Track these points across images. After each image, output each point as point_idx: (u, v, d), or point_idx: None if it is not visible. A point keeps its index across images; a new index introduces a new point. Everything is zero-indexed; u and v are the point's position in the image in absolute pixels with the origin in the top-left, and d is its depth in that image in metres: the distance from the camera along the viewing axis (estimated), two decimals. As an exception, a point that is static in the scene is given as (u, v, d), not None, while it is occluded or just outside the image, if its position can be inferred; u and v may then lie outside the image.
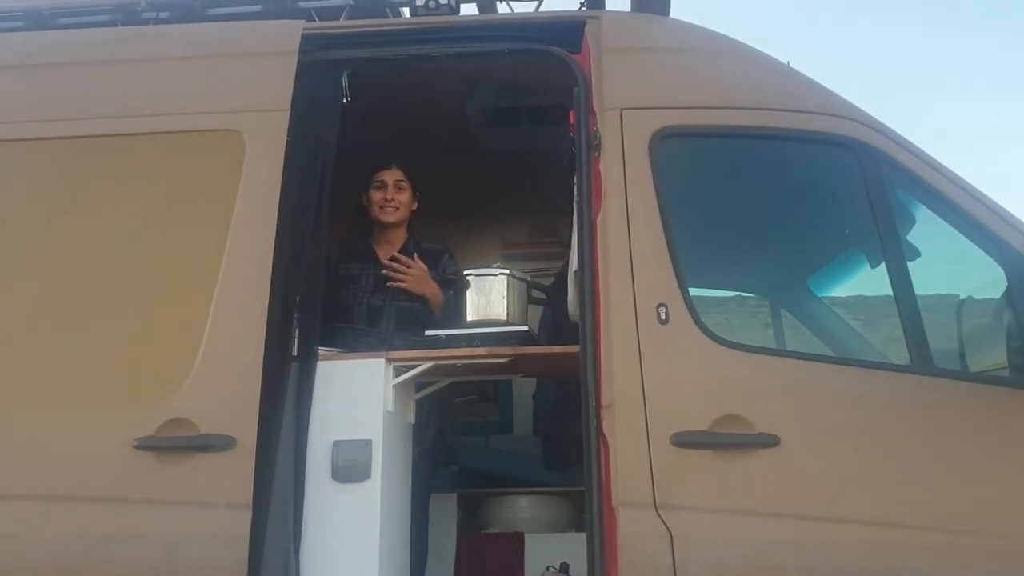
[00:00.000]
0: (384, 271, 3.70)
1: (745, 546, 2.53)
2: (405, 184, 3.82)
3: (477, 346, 3.11)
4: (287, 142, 2.97)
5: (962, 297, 2.85)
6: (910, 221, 3.00)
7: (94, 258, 2.94)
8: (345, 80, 3.23)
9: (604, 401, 2.66)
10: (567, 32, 3.15)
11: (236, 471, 2.64)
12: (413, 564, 3.30)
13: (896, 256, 2.77)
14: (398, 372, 3.04)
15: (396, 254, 3.68)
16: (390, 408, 2.96)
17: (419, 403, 3.32)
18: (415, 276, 3.63)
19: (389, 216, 3.80)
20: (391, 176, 3.80)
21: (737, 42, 3.23)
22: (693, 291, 2.75)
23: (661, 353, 2.67)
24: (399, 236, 3.87)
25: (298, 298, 2.95)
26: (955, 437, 2.63)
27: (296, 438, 2.80)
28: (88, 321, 2.86)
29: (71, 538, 2.64)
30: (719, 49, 3.21)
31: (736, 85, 3.05)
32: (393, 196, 3.79)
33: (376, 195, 3.81)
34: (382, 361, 3.00)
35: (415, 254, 3.71)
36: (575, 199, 2.95)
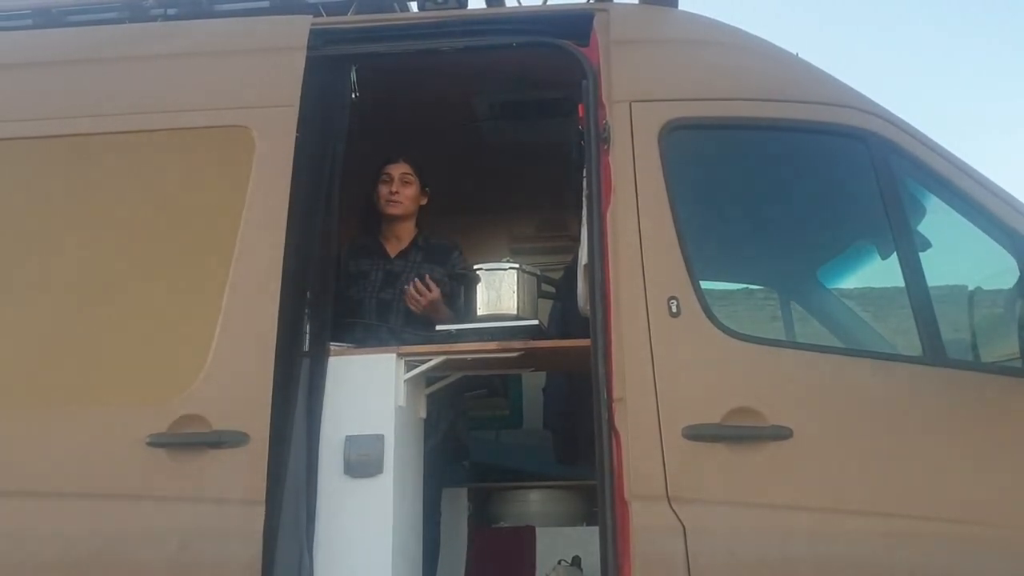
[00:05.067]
0: (391, 267, 3.71)
1: (758, 538, 2.53)
2: (412, 178, 3.83)
3: (487, 340, 3.11)
4: (296, 138, 2.97)
5: (973, 287, 2.84)
6: (921, 211, 2.99)
7: (105, 255, 2.94)
8: (353, 75, 3.23)
9: (615, 394, 2.65)
10: (575, 25, 3.14)
11: (249, 467, 2.65)
12: (425, 558, 3.31)
13: (907, 247, 2.76)
14: (409, 367, 3.04)
15: (417, 281, 3.57)
16: (401, 403, 2.97)
17: (430, 398, 3.33)
18: (428, 302, 3.54)
19: (394, 209, 3.81)
20: (397, 170, 3.81)
21: (746, 33, 3.22)
22: (703, 284, 2.74)
23: (672, 346, 2.66)
24: (407, 231, 3.88)
25: (309, 294, 2.96)
26: (968, 428, 2.62)
27: (308, 433, 2.81)
28: (100, 318, 2.87)
29: (85, 535, 2.65)
30: (728, 40, 3.20)
31: (745, 77, 3.04)
32: (399, 189, 3.80)
33: (383, 189, 3.82)
34: (393, 356, 3.00)
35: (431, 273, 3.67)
36: (584, 192, 2.95)
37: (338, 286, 3.57)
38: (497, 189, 4.67)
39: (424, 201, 3.89)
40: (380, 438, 2.87)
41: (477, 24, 3.30)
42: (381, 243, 3.88)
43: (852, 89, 3.04)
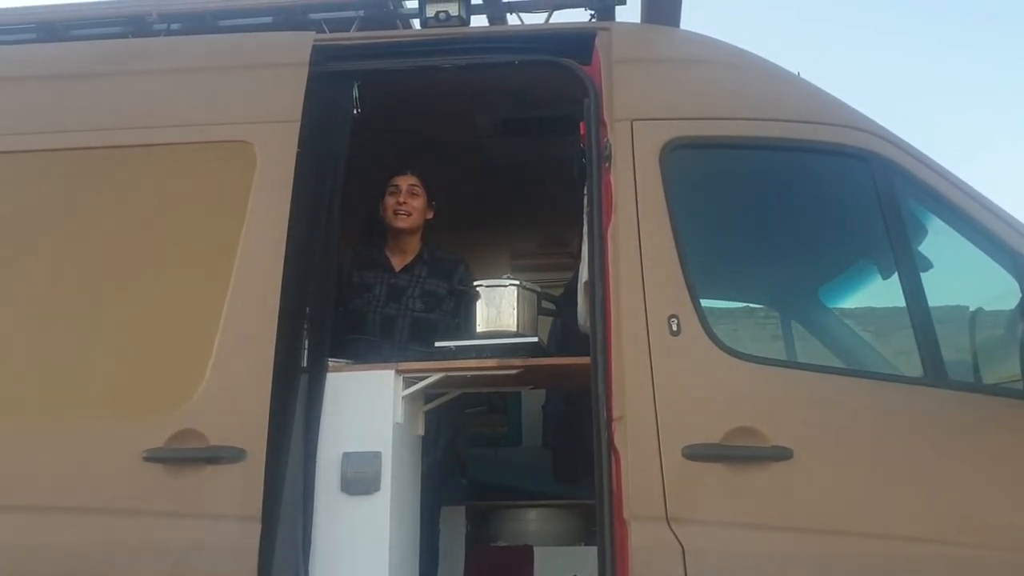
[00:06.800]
0: (396, 281, 3.69)
1: (757, 560, 2.51)
2: (419, 190, 3.81)
3: (487, 357, 3.10)
4: (298, 153, 2.97)
5: (975, 308, 2.83)
6: (923, 232, 2.99)
7: (105, 269, 2.94)
8: (355, 91, 3.24)
9: (615, 413, 2.64)
10: (577, 43, 3.15)
11: (246, 483, 2.64)
12: (423, 576, 3.28)
13: (909, 267, 2.76)
14: (407, 384, 3.03)
15: None
16: (400, 420, 2.96)
17: (429, 415, 3.32)
18: None
19: (401, 221, 3.79)
20: (405, 181, 3.80)
21: (747, 53, 3.23)
22: (704, 302, 2.74)
23: (672, 365, 2.65)
24: (413, 245, 3.86)
25: (308, 310, 2.95)
26: (969, 450, 2.61)
27: (305, 450, 2.80)
28: (99, 332, 2.86)
29: (81, 550, 2.63)
30: (729, 60, 3.21)
31: (747, 96, 3.05)
32: (406, 201, 3.78)
33: (390, 200, 3.80)
34: (391, 373, 2.99)
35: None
36: (586, 210, 2.95)
37: (340, 297, 3.57)
38: (499, 206, 4.68)
39: (431, 215, 3.87)
40: (378, 455, 2.85)
41: (480, 42, 3.32)
42: (386, 256, 3.85)
43: (854, 109, 3.05)
